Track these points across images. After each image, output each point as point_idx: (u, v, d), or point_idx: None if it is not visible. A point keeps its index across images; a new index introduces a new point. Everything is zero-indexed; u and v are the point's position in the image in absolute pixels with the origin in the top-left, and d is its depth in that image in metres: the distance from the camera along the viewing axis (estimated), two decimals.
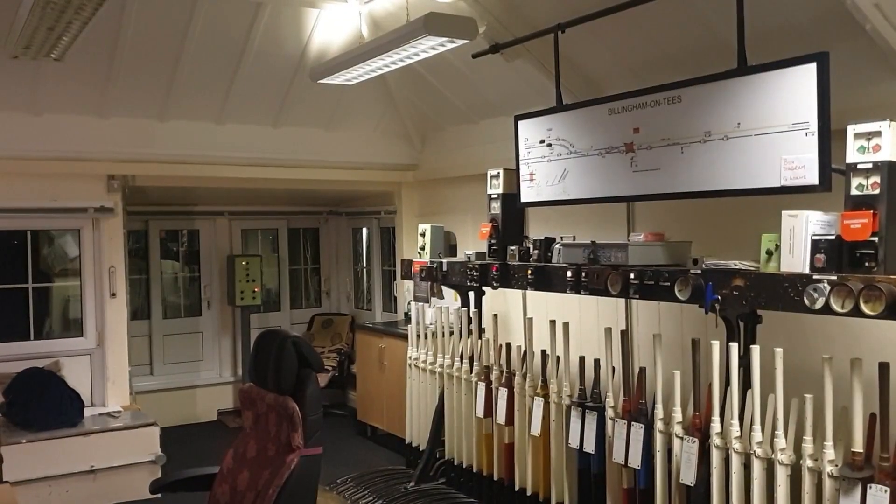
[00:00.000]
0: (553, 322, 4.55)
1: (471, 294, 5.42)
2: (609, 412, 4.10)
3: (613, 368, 4.20)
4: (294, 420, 2.91)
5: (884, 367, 2.98)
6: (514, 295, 5.67)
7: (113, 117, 5.96)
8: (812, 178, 3.19)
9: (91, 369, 6.09)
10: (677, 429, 3.69)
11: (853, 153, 2.95)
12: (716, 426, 3.49)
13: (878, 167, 2.88)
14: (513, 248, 4.75)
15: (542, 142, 4.58)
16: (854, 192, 2.94)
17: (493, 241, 4.99)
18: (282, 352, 3.04)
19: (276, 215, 8.52)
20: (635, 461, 3.90)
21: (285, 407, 2.96)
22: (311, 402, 2.96)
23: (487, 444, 5.07)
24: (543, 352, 4.60)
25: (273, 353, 3.06)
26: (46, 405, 5.42)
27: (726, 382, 3.47)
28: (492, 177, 5.12)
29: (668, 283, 3.55)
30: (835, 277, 2.91)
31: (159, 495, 4.89)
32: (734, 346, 3.42)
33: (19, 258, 6.14)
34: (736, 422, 3.40)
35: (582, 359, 4.35)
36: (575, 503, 4.46)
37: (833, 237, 3.01)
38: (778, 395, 3.23)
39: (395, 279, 7.70)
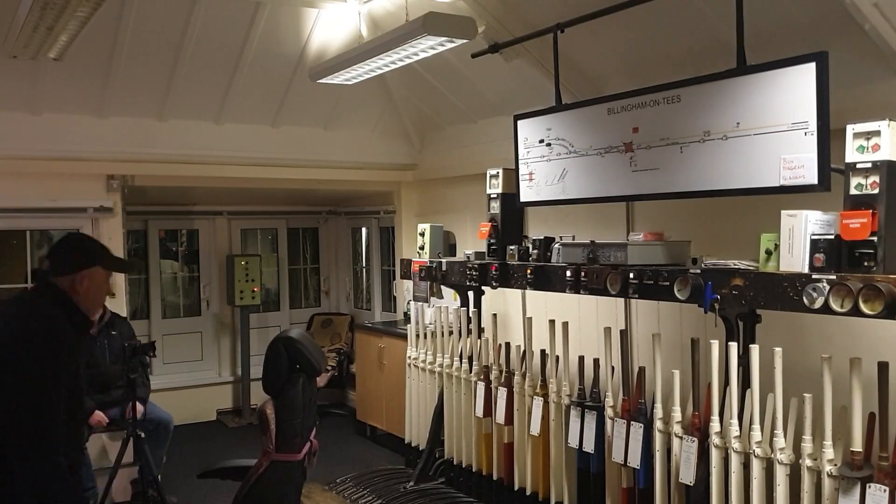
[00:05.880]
0: (552, 322, 4.55)
1: (470, 294, 5.42)
2: (608, 412, 4.10)
3: (613, 368, 4.19)
4: (263, 423, 2.90)
5: (883, 367, 2.98)
6: (513, 294, 5.67)
7: (112, 117, 5.96)
8: (811, 177, 3.19)
9: None
10: (676, 428, 3.69)
11: (852, 153, 2.95)
12: (715, 426, 3.49)
13: (877, 167, 2.88)
14: (512, 247, 4.74)
15: (542, 141, 4.58)
16: (853, 191, 2.94)
17: (492, 241, 4.98)
18: (270, 352, 3.05)
19: (276, 215, 8.52)
20: (634, 461, 3.90)
21: (261, 410, 2.96)
22: (291, 406, 2.94)
23: (487, 443, 5.07)
24: (543, 351, 4.60)
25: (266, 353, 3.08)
26: None
27: (725, 382, 3.47)
28: (491, 176, 5.11)
29: (668, 283, 3.54)
30: (834, 277, 2.91)
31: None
32: (733, 346, 3.42)
33: (19, 258, 6.13)
34: (735, 421, 3.40)
35: (581, 358, 4.35)
36: (574, 503, 4.46)
37: (832, 237, 3.01)
38: (777, 394, 3.24)
39: (394, 279, 7.70)
